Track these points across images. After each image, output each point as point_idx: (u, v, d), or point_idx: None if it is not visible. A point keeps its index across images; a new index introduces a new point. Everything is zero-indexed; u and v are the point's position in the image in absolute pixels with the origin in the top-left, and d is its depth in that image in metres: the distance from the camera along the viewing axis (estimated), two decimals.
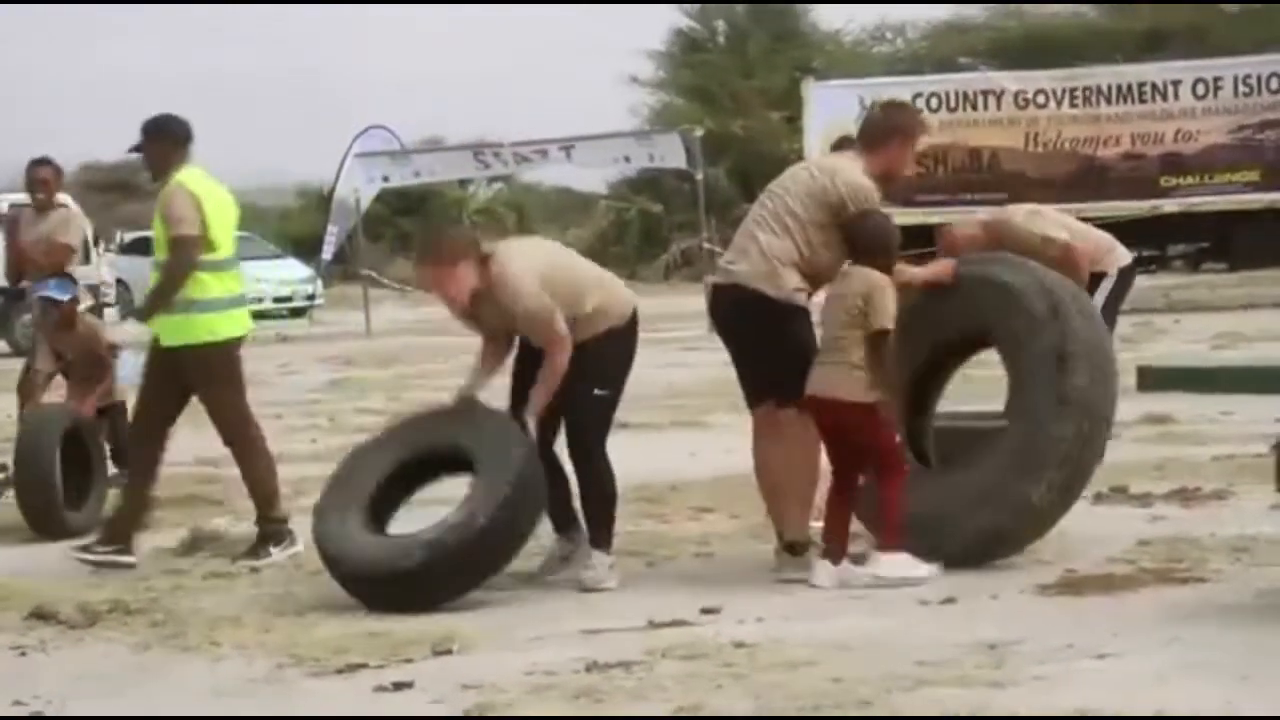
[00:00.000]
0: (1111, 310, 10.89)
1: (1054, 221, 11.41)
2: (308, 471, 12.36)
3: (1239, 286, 30.18)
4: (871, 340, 7.97)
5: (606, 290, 8.42)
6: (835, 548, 8.05)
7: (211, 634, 7.39)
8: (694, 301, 30.07)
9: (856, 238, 8.23)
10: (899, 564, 7.89)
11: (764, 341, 8.38)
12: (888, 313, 7.97)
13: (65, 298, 11.00)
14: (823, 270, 8.31)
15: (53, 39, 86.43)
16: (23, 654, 7.35)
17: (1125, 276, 11.07)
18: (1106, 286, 10.87)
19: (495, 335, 8.38)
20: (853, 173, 8.39)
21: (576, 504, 8.43)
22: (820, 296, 8.41)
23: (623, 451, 12.55)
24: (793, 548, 8.32)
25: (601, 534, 8.26)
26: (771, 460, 8.45)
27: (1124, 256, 11.18)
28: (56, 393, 11.43)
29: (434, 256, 8.33)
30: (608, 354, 8.27)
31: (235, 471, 11.81)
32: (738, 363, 8.61)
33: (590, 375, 8.16)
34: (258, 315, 37.28)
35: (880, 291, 8.01)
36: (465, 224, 8.77)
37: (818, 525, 8.24)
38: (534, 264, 8.22)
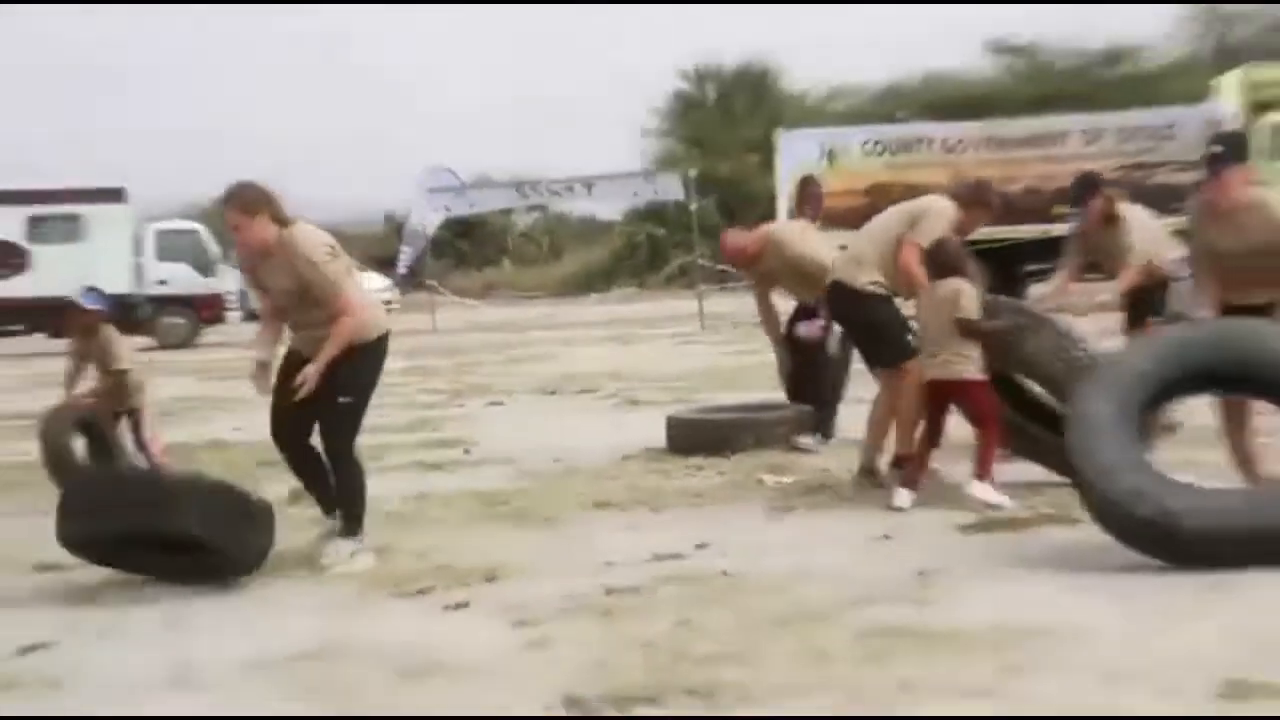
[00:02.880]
0: None
1: (821, 242, 11.02)
2: (388, 439, 12.43)
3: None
4: (962, 328, 8.29)
5: (364, 308, 7.60)
6: (913, 480, 8.37)
7: (311, 566, 7.42)
8: (689, 305, 30.14)
9: (935, 259, 8.46)
10: (986, 491, 8.13)
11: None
12: (971, 309, 8.31)
13: (91, 305, 10.21)
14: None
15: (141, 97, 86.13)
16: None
17: None
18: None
19: (279, 302, 7.53)
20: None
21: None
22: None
23: (635, 423, 12.66)
24: (862, 470, 8.88)
25: (349, 524, 7.57)
26: (873, 409, 9.09)
27: None
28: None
29: (238, 203, 7.36)
30: (354, 367, 7.47)
31: None
32: None
33: (338, 386, 7.40)
34: None
35: (963, 294, 8.34)
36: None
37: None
38: (325, 239, 7.46)
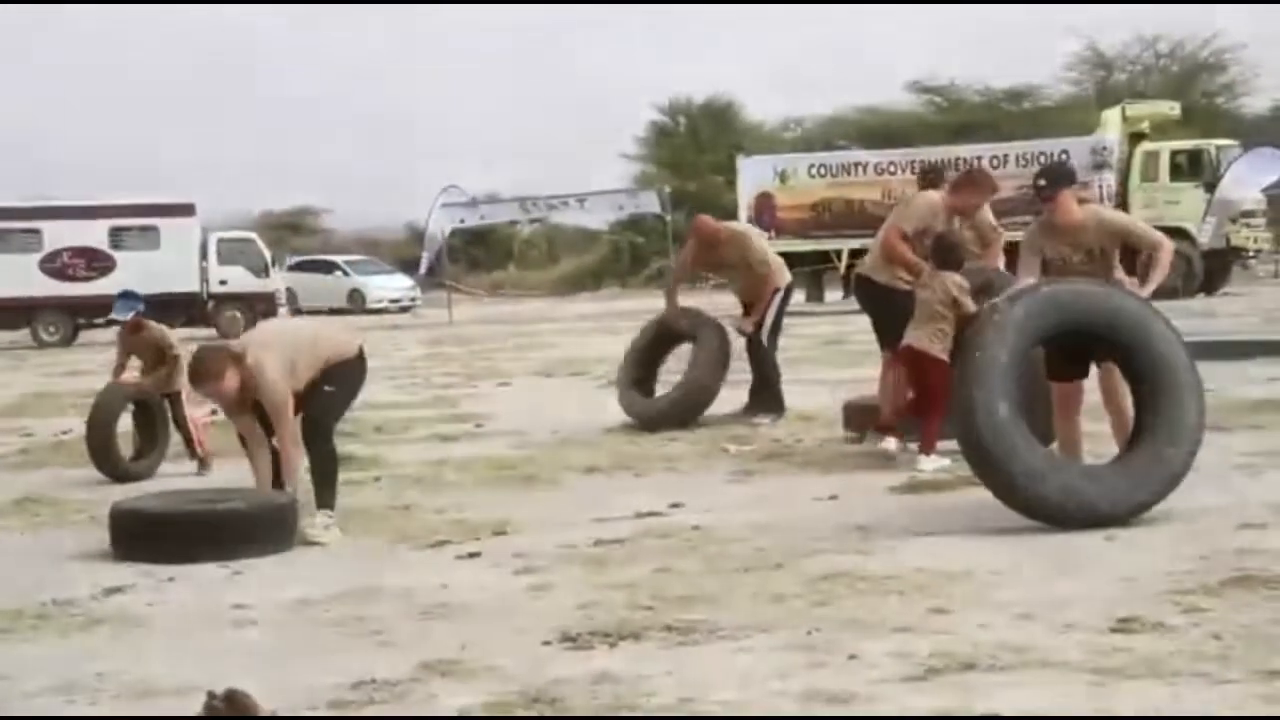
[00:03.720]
0: (781, 310, 10.81)
1: (770, 249, 11.26)
2: (412, 414, 12.36)
3: None
4: (960, 320, 8.14)
5: (334, 343, 7.46)
6: (896, 433, 8.45)
7: (348, 522, 7.32)
8: (664, 302, 30.04)
9: (936, 250, 8.34)
10: (932, 461, 8.10)
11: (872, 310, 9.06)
12: (969, 305, 8.13)
13: (125, 317, 9.96)
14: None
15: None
16: None
17: (789, 290, 10.99)
18: (779, 297, 10.76)
19: (250, 415, 7.22)
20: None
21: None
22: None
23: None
24: (880, 428, 8.66)
25: (324, 497, 7.20)
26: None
27: (789, 276, 11.11)
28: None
29: (205, 376, 7.13)
30: (337, 372, 7.30)
31: (368, 414, 11.76)
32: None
33: (326, 381, 7.23)
34: (378, 311, 37.70)
35: (961, 291, 8.20)
36: (216, 347, 7.62)
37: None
38: (278, 352, 7.14)
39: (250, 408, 7.22)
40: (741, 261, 10.82)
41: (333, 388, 7.31)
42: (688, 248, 11.33)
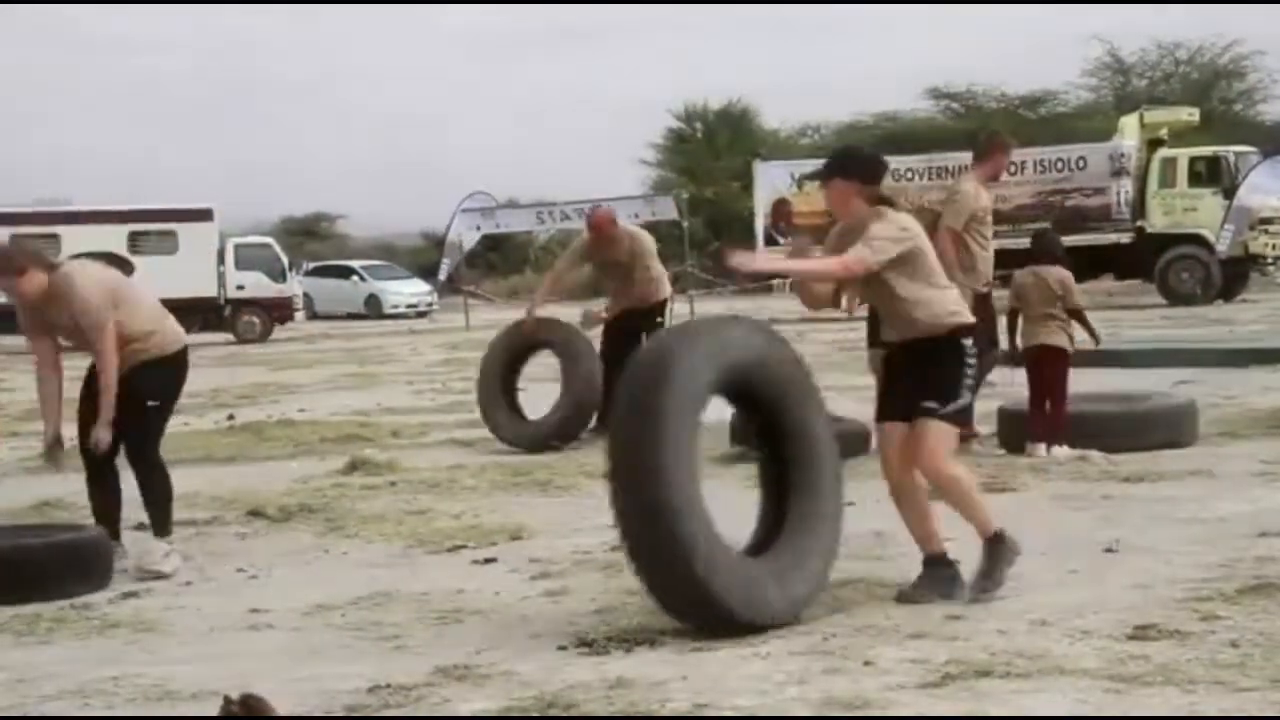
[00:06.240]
0: (667, 321, 10.67)
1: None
2: (429, 419, 12.36)
3: None
4: (1071, 312, 8.32)
5: (162, 324, 6.66)
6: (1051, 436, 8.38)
7: (364, 526, 7.36)
8: (681, 306, 29.97)
9: (1037, 247, 8.58)
10: (1060, 452, 8.25)
11: None
12: (1077, 294, 8.35)
13: None
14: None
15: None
16: (243, 538, 7.35)
17: (670, 301, 10.91)
18: (668, 309, 10.80)
19: (49, 339, 6.58)
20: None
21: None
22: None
23: None
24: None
25: (160, 524, 6.64)
26: None
27: (670, 289, 10.93)
28: None
29: (5, 267, 6.50)
30: (157, 375, 6.57)
31: (385, 419, 11.74)
32: None
33: (143, 392, 6.52)
34: (395, 316, 37.75)
35: (1069, 280, 8.35)
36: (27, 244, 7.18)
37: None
38: (101, 283, 6.48)
39: (47, 331, 6.57)
40: (635, 263, 10.66)
41: (154, 402, 6.62)
42: (577, 244, 11.04)
